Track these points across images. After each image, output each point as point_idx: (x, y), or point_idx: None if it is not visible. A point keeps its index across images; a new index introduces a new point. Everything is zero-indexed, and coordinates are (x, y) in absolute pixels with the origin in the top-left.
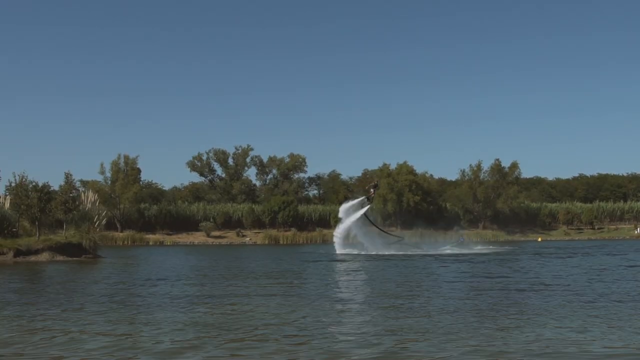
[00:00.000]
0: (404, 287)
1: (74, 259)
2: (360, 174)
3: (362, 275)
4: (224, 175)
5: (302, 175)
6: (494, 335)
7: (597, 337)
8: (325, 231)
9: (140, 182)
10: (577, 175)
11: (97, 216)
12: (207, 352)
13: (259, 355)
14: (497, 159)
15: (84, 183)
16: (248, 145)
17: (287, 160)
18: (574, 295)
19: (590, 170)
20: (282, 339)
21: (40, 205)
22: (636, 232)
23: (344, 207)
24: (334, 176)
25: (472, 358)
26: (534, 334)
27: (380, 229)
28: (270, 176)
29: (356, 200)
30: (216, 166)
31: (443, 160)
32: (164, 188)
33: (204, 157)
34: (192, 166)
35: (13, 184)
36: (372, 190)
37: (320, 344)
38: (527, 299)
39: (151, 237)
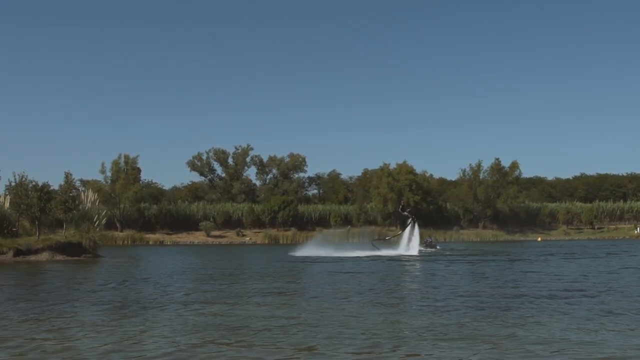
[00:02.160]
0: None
1: (74, 258)
2: (360, 174)
3: (359, 275)
4: (223, 175)
5: (302, 174)
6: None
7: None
8: (325, 230)
9: (140, 182)
10: (577, 175)
11: (97, 216)
12: (206, 352)
13: (260, 356)
14: (497, 159)
15: (84, 182)
16: (248, 145)
17: (287, 159)
18: None
19: (590, 170)
20: (283, 338)
21: (40, 204)
22: (636, 231)
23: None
24: (334, 176)
25: (477, 357)
26: None
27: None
28: (270, 176)
29: (406, 232)
30: (216, 166)
31: (443, 160)
32: (164, 188)
33: (204, 157)
34: (192, 166)
35: (13, 184)
36: (406, 212)
37: (319, 344)
38: None
39: (151, 237)
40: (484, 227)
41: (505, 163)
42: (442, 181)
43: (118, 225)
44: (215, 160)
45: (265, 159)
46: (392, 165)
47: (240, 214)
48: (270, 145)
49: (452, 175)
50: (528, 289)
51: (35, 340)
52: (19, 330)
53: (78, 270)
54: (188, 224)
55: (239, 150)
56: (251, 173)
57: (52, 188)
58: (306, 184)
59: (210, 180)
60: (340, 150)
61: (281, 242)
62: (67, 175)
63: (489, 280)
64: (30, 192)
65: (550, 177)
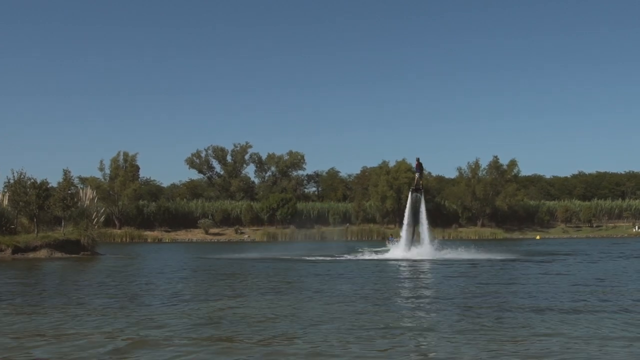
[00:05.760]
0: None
1: (72, 255)
2: (358, 171)
3: (353, 275)
4: (222, 173)
5: (300, 172)
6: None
7: None
8: (324, 228)
9: (139, 179)
10: (575, 173)
11: (95, 213)
12: (204, 351)
13: (256, 355)
14: (496, 157)
15: (83, 180)
16: (247, 143)
17: (286, 157)
18: None
19: (589, 168)
20: (278, 337)
21: (38, 202)
22: (634, 229)
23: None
24: (333, 173)
25: (472, 356)
26: None
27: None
28: (269, 173)
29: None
30: (215, 163)
31: (441, 158)
32: (162, 185)
33: (203, 154)
34: (191, 163)
35: (11, 181)
36: (417, 174)
37: (313, 343)
38: None
39: (149, 234)
40: (483, 225)
41: (504, 161)
42: (441, 179)
43: (116, 222)
44: (214, 158)
45: (264, 157)
46: (391, 163)
47: (238, 212)
48: (269, 143)
49: (451, 173)
50: None
51: (34, 338)
52: (18, 328)
53: (76, 268)
54: (186, 221)
55: (238, 148)
56: (250, 171)
57: (50, 185)
58: (305, 181)
59: (209, 178)
60: (339, 148)
61: (280, 239)
62: (66, 173)
63: None
64: (28, 190)
65: (548, 175)
